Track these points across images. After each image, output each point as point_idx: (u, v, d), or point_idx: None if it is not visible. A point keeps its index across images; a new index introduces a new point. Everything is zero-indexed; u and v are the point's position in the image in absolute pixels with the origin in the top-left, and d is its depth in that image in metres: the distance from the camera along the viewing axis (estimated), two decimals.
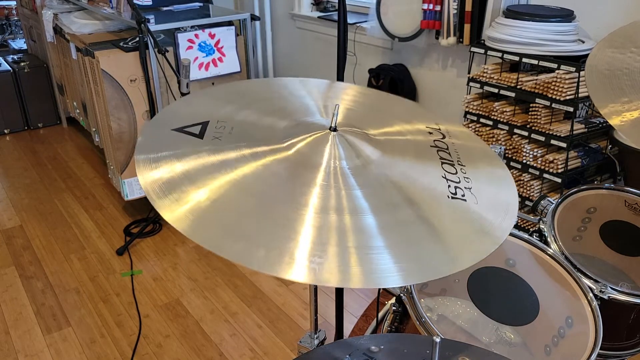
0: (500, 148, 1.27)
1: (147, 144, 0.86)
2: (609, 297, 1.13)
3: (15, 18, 5.80)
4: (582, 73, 2.07)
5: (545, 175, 2.24)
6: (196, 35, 2.79)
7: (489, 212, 0.85)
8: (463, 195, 0.86)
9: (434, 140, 1.00)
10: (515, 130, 2.31)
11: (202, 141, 0.88)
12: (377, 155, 0.91)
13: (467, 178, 0.91)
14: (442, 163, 0.93)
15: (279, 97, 1.08)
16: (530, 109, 2.24)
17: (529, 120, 2.25)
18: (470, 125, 2.49)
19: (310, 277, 0.67)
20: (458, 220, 0.81)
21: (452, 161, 0.95)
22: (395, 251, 0.73)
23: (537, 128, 2.22)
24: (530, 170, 2.29)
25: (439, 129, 1.05)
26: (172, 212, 0.74)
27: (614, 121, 1.10)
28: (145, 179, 0.78)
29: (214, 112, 0.99)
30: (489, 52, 2.35)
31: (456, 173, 0.92)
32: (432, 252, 0.74)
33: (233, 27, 2.91)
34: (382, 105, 1.13)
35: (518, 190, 2.36)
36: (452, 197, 0.85)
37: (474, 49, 2.43)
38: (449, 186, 0.88)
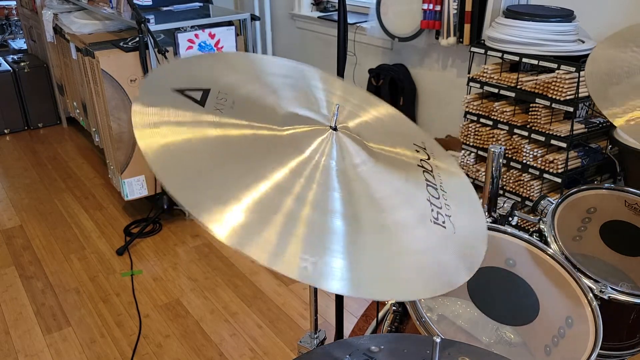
0: (500, 148, 1.27)
1: (146, 100, 0.85)
2: (609, 297, 1.13)
3: (15, 18, 5.80)
4: (582, 73, 2.07)
5: (545, 175, 2.24)
6: (196, 35, 2.79)
7: (462, 246, 0.83)
8: (443, 222, 0.85)
9: (420, 160, 0.98)
10: (515, 130, 2.31)
11: (203, 108, 0.87)
12: (368, 165, 0.89)
13: (447, 205, 0.89)
14: (427, 186, 0.91)
15: (289, 82, 1.04)
16: (530, 109, 2.24)
17: (529, 120, 2.25)
18: (470, 125, 2.49)
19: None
20: (434, 246, 0.80)
21: (436, 185, 0.93)
22: (351, 259, 0.71)
23: (537, 128, 2.22)
24: (530, 170, 2.29)
25: (425, 148, 1.02)
26: (147, 142, 0.75)
27: (617, 121, 1.10)
28: (138, 121, 0.79)
29: (217, 80, 0.96)
30: (489, 52, 2.35)
31: (439, 198, 0.90)
32: (389, 272, 0.73)
33: (233, 27, 2.91)
34: (395, 126, 1.09)
35: (518, 190, 2.36)
36: (434, 222, 0.84)
37: (474, 49, 2.43)
38: (432, 210, 0.86)
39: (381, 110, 1.12)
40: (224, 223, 0.68)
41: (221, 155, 0.78)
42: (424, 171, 0.95)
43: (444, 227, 0.84)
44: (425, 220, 0.83)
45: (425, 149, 1.03)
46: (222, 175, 0.75)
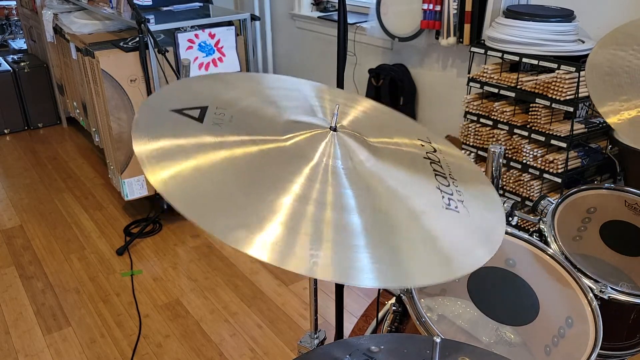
0: (500, 148, 1.27)
1: (145, 122, 0.86)
2: (609, 297, 1.13)
3: (15, 18, 5.80)
4: (582, 73, 2.07)
5: (545, 175, 2.24)
6: (196, 35, 2.79)
7: (479, 227, 0.85)
8: (456, 207, 0.87)
9: (427, 153, 1.01)
10: (515, 130, 2.31)
11: (202, 125, 0.88)
12: (373, 160, 0.92)
13: (459, 191, 0.92)
14: (436, 175, 0.94)
15: (284, 93, 1.07)
16: (530, 109, 2.24)
17: (529, 120, 2.25)
18: (470, 125, 2.49)
19: (272, 257, 0.68)
20: (451, 229, 0.82)
21: (445, 174, 0.95)
22: (374, 252, 0.73)
23: (537, 128, 2.22)
24: (530, 170, 2.29)
25: (430, 142, 1.06)
26: (156, 176, 0.74)
27: (611, 120, 1.10)
28: (141, 149, 0.79)
29: (215, 97, 0.98)
30: (489, 52, 2.35)
31: (449, 185, 0.92)
32: (425, 259, 0.75)
33: (233, 27, 2.91)
34: (387, 119, 1.12)
35: (518, 190, 2.36)
36: (447, 208, 0.86)
37: (474, 49, 2.43)
38: (443, 197, 0.88)
39: (379, 109, 1.14)
40: (261, 245, 0.69)
41: (235, 178, 0.78)
42: (430, 162, 0.97)
43: (458, 212, 0.86)
44: (437, 207, 0.86)
45: (430, 142, 1.06)
46: (244, 197, 0.75)
